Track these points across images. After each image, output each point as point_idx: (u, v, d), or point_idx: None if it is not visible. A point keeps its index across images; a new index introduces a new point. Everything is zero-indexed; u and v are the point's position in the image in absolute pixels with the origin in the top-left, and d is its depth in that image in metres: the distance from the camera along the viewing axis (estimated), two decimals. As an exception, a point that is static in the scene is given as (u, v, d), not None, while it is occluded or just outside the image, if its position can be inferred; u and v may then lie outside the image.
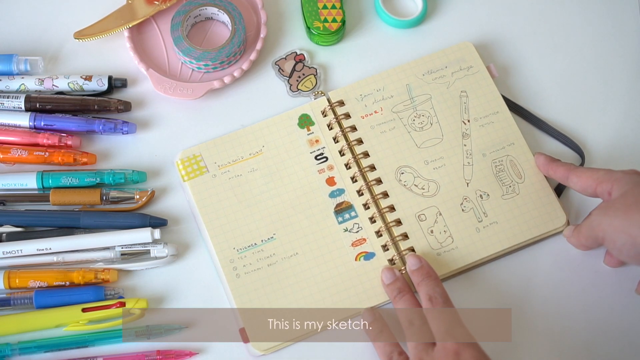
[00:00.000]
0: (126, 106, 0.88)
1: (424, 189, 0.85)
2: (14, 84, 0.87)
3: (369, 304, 0.81)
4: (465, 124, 0.88)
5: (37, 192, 0.84)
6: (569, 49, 0.93)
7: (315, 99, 0.89)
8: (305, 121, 0.88)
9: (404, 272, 0.82)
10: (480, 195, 0.85)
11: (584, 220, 0.80)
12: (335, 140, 0.87)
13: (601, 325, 0.82)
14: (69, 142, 0.85)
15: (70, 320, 0.79)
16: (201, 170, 0.85)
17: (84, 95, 0.88)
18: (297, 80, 0.90)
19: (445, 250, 0.83)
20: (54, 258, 0.81)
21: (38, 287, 0.80)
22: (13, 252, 0.81)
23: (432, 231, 0.83)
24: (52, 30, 0.92)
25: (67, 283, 0.81)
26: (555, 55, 0.93)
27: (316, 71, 0.91)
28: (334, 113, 0.88)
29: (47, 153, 0.85)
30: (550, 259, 0.84)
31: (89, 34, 0.89)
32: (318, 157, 0.86)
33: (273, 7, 0.94)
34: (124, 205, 0.84)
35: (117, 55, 0.91)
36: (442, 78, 0.90)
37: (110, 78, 0.88)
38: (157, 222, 0.84)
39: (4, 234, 0.82)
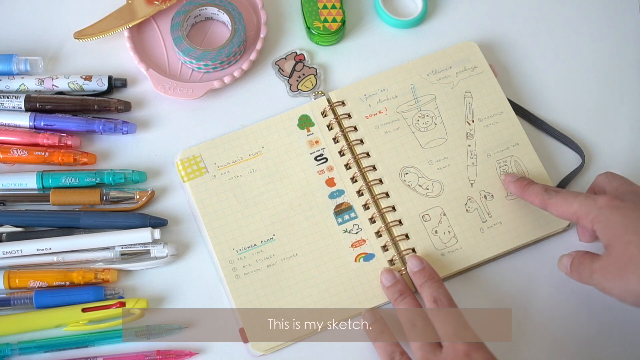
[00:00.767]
0: (126, 106, 0.88)
1: (428, 189, 0.85)
2: (14, 84, 0.88)
3: (368, 304, 0.81)
4: (469, 124, 0.88)
5: (37, 192, 0.84)
6: (569, 49, 0.93)
7: (315, 99, 0.89)
8: (305, 122, 0.88)
9: (404, 272, 0.81)
10: (485, 196, 0.85)
11: (583, 269, 0.77)
12: (335, 140, 0.87)
13: (601, 325, 0.81)
14: (69, 142, 0.85)
15: (70, 320, 0.79)
16: (201, 171, 0.85)
17: (84, 95, 0.88)
18: (297, 80, 0.90)
19: (450, 251, 0.82)
20: (54, 258, 0.81)
21: (38, 287, 0.80)
22: (13, 252, 0.81)
23: (436, 231, 0.83)
24: (52, 30, 0.92)
25: (67, 283, 0.81)
26: (555, 55, 0.93)
27: (316, 71, 0.91)
28: (334, 113, 0.88)
29: (47, 153, 0.85)
30: (551, 258, 0.84)
31: (89, 34, 0.89)
32: (318, 158, 0.86)
33: (273, 7, 0.94)
34: (124, 205, 0.84)
35: (117, 55, 0.91)
36: (447, 78, 0.89)
37: (110, 78, 0.88)
38: (157, 222, 0.83)
39: (4, 234, 0.82)
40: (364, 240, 0.83)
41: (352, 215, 0.84)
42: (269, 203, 0.84)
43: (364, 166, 0.86)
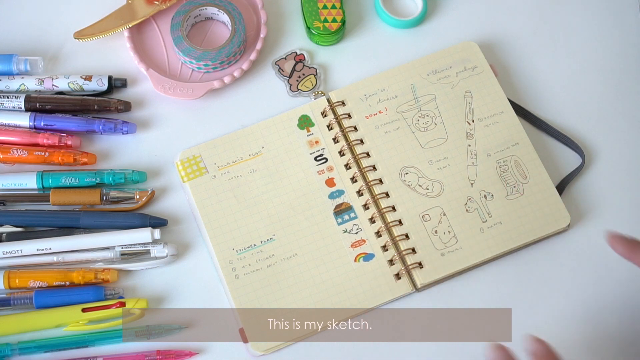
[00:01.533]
0: (126, 106, 0.88)
1: (428, 189, 0.85)
2: (14, 84, 0.88)
3: (368, 304, 0.81)
4: (469, 124, 0.88)
5: (37, 192, 0.84)
6: (569, 48, 0.93)
7: (315, 99, 0.89)
8: (304, 122, 0.88)
9: (403, 272, 0.81)
10: (485, 196, 0.85)
11: None
12: (335, 140, 0.87)
13: (601, 325, 0.81)
14: (69, 142, 0.85)
15: (70, 320, 0.79)
16: (201, 171, 0.85)
17: (84, 95, 0.88)
18: (297, 80, 0.90)
19: (450, 251, 0.82)
20: (54, 258, 0.82)
21: (38, 287, 0.80)
22: (13, 252, 0.81)
23: (436, 231, 0.83)
24: (52, 30, 0.92)
25: (67, 283, 0.81)
26: (555, 55, 0.93)
27: (316, 71, 0.91)
28: (334, 113, 0.88)
29: (47, 153, 0.85)
30: (551, 258, 0.84)
31: (89, 34, 0.89)
32: (318, 158, 0.86)
33: (273, 7, 0.94)
34: (124, 205, 0.84)
35: (117, 55, 0.91)
36: (447, 78, 0.89)
37: (110, 78, 0.88)
38: (157, 222, 0.83)
39: (4, 234, 0.82)
40: (364, 240, 0.83)
41: (352, 215, 0.84)
42: (268, 203, 0.84)
43: (363, 166, 0.86)
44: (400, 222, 0.83)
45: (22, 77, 0.88)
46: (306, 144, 0.87)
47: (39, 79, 0.88)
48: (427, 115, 0.88)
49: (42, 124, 0.86)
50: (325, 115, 0.88)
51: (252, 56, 0.89)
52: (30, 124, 0.86)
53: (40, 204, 0.84)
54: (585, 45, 0.93)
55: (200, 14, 0.91)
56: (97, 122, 0.86)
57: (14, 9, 0.93)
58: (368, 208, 0.84)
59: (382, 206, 0.84)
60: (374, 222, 0.84)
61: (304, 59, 0.91)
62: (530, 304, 0.82)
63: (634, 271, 0.83)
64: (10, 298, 0.80)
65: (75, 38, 0.89)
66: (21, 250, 0.81)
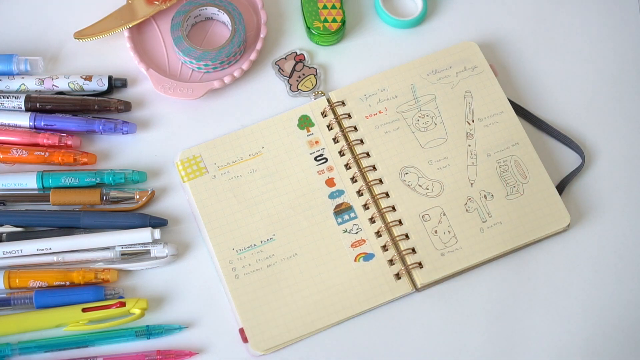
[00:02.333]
0: (126, 106, 0.88)
1: (428, 189, 0.85)
2: (14, 84, 0.88)
3: (368, 304, 0.81)
4: (469, 124, 0.88)
5: (37, 192, 0.85)
6: (569, 48, 0.93)
7: (315, 99, 0.89)
8: (304, 122, 0.88)
9: (403, 272, 0.82)
10: (485, 196, 0.85)
11: None
12: (335, 140, 0.87)
13: (601, 325, 0.81)
14: (69, 142, 0.86)
15: (70, 320, 0.79)
16: (201, 171, 0.85)
17: (84, 95, 0.89)
18: (297, 80, 0.90)
19: (450, 251, 0.82)
20: (54, 258, 0.82)
21: (38, 287, 0.81)
22: (13, 252, 0.81)
23: (436, 231, 0.83)
24: (52, 30, 0.92)
25: (67, 283, 0.81)
26: (555, 55, 0.93)
27: (316, 71, 0.91)
28: (334, 113, 0.88)
29: (47, 153, 0.85)
30: (551, 258, 0.84)
31: (89, 34, 0.89)
32: (318, 158, 0.86)
33: (273, 7, 0.94)
34: (124, 205, 0.84)
35: (117, 55, 0.91)
36: (447, 78, 0.89)
37: (110, 78, 0.89)
38: (157, 222, 0.84)
39: (4, 234, 0.82)
40: (364, 240, 0.83)
41: (352, 215, 0.84)
42: (268, 203, 0.84)
43: (363, 166, 0.86)
44: (400, 222, 0.83)
45: (22, 77, 0.88)
46: (306, 144, 0.87)
47: (39, 79, 0.88)
48: (427, 115, 0.88)
49: (42, 124, 0.86)
50: (325, 115, 0.88)
51: (252, 56, 0.89)
52: (31, 124, 0.86)
53: (40, 204, 0.84)
54: (585, 45, 0.93)
55: (200, 14, 0.91)
56: (97, 122, 0.86)
57: (14, 9, 0.93)
58: (368, 208, 0.84)
59: (382, 206, 0.84)
60: (374, 222, 0.84)
61: (304, 59, 0.91)
62: (530, 304, 0.82)
63: (634, 271, 0.83)
64: (11, 298, 0.80)
65: (76, 38, 0.89)
66: (21, 250, 0.81)
